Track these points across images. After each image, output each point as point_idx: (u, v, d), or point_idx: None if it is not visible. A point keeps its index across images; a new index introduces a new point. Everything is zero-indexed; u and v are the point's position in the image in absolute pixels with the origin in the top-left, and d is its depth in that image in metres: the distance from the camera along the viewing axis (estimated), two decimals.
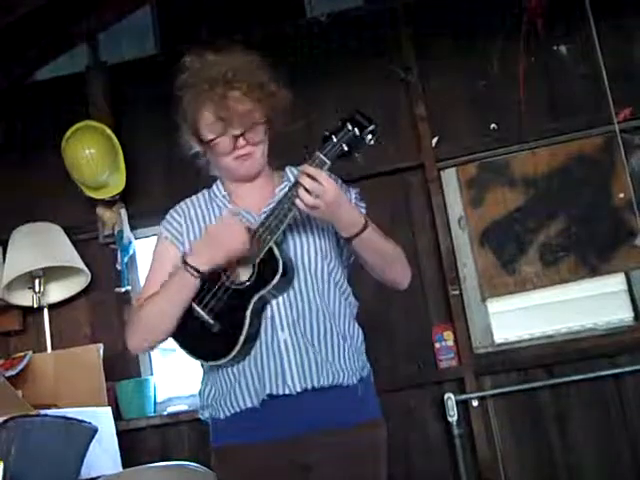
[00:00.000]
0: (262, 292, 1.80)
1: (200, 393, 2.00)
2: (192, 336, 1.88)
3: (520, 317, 3.52)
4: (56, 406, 3.10)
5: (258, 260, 1.81)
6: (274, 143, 2.00)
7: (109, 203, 3.70)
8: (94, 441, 2.62)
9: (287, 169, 2.05)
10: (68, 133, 3.57)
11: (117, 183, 3.66)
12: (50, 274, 3.65)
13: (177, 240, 1.99)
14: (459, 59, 3.67)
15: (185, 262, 1.82)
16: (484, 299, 3.53)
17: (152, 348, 2.01)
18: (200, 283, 1.83)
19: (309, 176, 1.74)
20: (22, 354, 3.36)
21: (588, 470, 3.29)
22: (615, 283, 3.48)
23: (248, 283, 1.81)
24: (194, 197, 2.07)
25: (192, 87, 1.93)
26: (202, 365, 1.98)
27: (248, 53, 1.93)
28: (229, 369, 1.88)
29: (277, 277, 1.79)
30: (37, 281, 3.60)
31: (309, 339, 1.85)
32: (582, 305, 3.48)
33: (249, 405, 1.85)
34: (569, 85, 3.57)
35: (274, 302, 1.84)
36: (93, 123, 3.65)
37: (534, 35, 3.55)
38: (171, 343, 1.94)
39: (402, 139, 3.66)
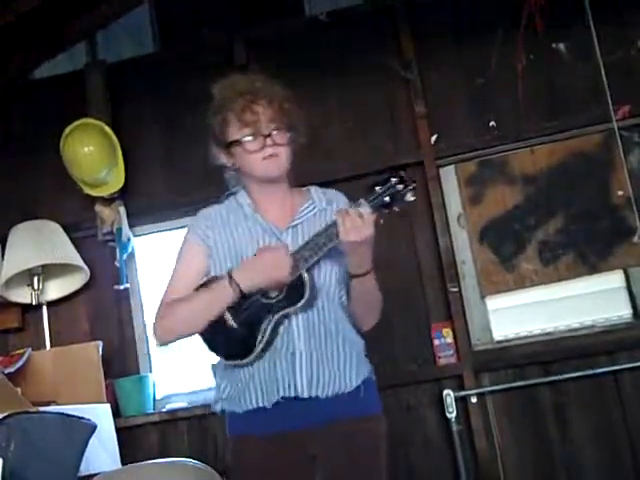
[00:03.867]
0: (287, 310, 1.98)
1: (217, 386, 2.15)
2: (215, 335, 2.04)
3: (519, 314, 3.53)
4: (55, 403, 3.10)
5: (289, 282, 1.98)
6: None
7: (108, 200, 3.70)
8: (93, 438, 2.61)
9: (312, 189, 2.20)
10: (67, 131, 3.57)
11: (116, 180, 3.66)
12: (49, 271, 3.65)
13: (204, 242, 2.11)
14: (458, 57, 3.68)
15: (231, 277, 1.97)
16: (483, 296, 3.53)
17: (176, 341, 2.13)
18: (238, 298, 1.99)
19: (359, 215, 1.89)
20: (21, 351, 3.37)
21: (587, 466, 3.29)
22: (614, 280, 3.49)
23: (276, 300, 1.99)
24: (221, 205, 2.19)
25: (222, 102, 2.10)
26: (219, 361, 2.12)
27: (260, 75, 2.12)
28: (245, 369, 2.04)
29: (302, 301, 1.98)
30: (36, 278, 3.60)
31: (322, 351, 2.02)
32: (581, 302, 3.48)
33: (261, 405, 2.01)
34: (568, 83, 3.57)
35: (294, 317, 2.01)
36: (92, 121, 3.65)
37: (533, 33, 3.55)
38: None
39: (401, 136, 3.67)
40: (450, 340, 3.44)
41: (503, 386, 3.38)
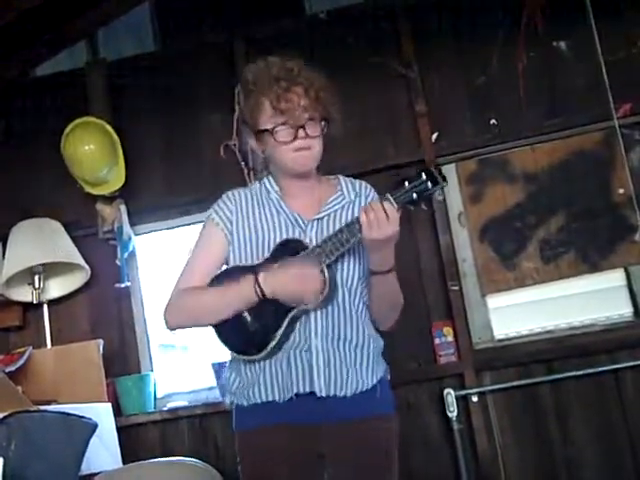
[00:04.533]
0: (304, 307, 1.91)
1: (227, 379, 2.09)
2: (229, 327, 1.97)
3: (520, 313, 3.52)
4: (56, 402, 3.10)
5: None
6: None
7: (109, 199, 3.70)
8: (94, 437, 2.62)
9: (342, 179, 2.14)
10: (67, 129, 3.57)
11: (116, 179, 3.65)
12: (50, 270, 3.65)
13: (226, 228, 2.04)
14: (459, 55, 3.67)
15: (256, 279, 1.89)
16: (484, 295, 3.53)
17: (185, 329, 2.10)
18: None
19: (385, 211, 1.83)
20: (22, 350, 3.37)
21: (587, 465, 3.29)
22: (615, 279, 3.48)
23: None
24: (247, 189, 2.12)
25: (255, 84, 2.00)
26: (232, 353, 2.05)
27: (306, 61, 2.05)
28: (256, 363, 1.98)
29: (322, 297, 1.90)
30: (37, 277, 3.60)
31: (339, 348, 1.96)
32: (582, 301, 3.48)
33: (271, 399, 1.95)
34: (569, 81, 3.56)
35: (312, 313, 1.94)
36: (92, 119, 3.64)
37: (534, 31, 3.55)
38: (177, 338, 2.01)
39: (402, 135, 3.66)
40: (451, 339, 3.44)
41: (504, 385, 3.38)
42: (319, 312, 1.94)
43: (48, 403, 3.02)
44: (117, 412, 3.40)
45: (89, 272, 3.68)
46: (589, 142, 3.52)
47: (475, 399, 3.36)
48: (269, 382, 1.96)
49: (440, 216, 3.55)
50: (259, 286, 1.88)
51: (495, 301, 3.54)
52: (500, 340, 3.51)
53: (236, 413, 2.05)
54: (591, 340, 3.38)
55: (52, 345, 3.63)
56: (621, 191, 3.45)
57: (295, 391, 1.93)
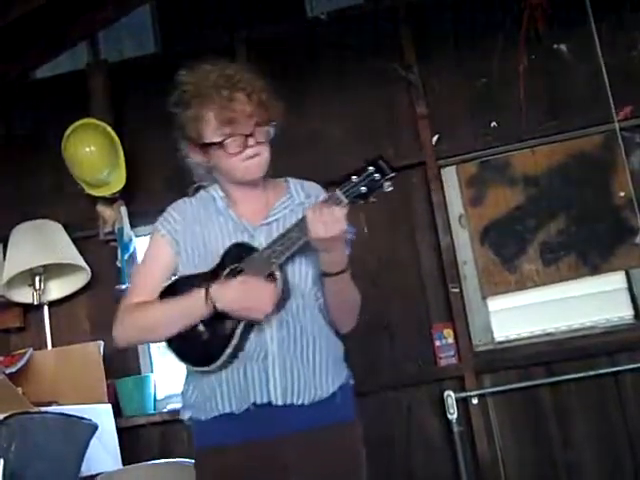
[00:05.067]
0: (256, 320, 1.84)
1: (183, 393, 2.01)
2: (181, 339, 1.90)
3: (520, 315, 3.53)
4: (56, 403, 3.11)
5: None
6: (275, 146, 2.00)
7: (109, 200, 3.70)
8: (94, 438, 2.62)
9: (291, 182, 2.07)
10: (68, 131, 3.57)
11: (117, 180, 3.66)
12: (50, 271, 3.65)
13: (173, 238, 1.98)
14: (460, 57, 3.67)
15: (208, 291, 1.82)
16: (484, 297, 3.53)
17: (137, 345, 2.03)
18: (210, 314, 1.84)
19: (330, 210, 1.76)
20: (22, 351, 3.37)
21: (587, 467, 3.29)
22: (615, 281, 3.48)
23: None
24: (192, 198, 2.06)
25: (195, 96, 1.94)
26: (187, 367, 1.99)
27: (241, 64, 1.99)
28: (213, 374, 1.90)
29: (270, 310, 1.82)
30: (37, 278, 3.60)
31: (296, 356, 1.89)
32: (582, 303, 3.48)
33: (229, 410, 1.88)
34: (569, 83, 3.57)
35: (266, 318, 1.86)
36: (93, 121, 3.64)
37: (534, 34, 3.55)
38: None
39: (403, 137, 3.67)
40: (451, 341, 3.44)
41: (504, 387, 3.38)
42: (274, 319, 1.87)
43: (48, 404, 3.02)
44: (117, 413, 3.40)
45: (90, 273, 3.68)
46: (590, 145, 3.52)
47: (475, 401, 3.36)
48: (226, 393, 1.88)
49: (441, 218, 3.55)
50: (211, 300, 1.82)
51: (495, 303, 3.54)
52: (500, 342, 3.51)
53: (195, 429, 1.96)
54: (591, 342, 3.38)
55: (52, 346, 3.63)
56: (622, 194, 3.46)
57: (252, 401, 1.85)
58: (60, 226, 3.72)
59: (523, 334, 3.51)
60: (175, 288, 1.94)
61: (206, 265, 1.91)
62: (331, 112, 3.72)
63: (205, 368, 1.88)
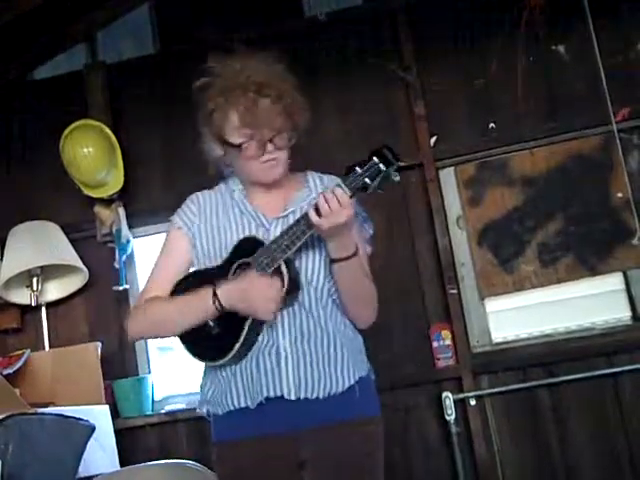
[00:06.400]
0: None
1: (201, 388, 2.04)
2: (192, 334, 1.93)
3: (518, 316, 3.53)
4: (54, 404, 3.10)
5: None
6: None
7: (107, 201, 3.69)
8: (92, 439, 2.61)
9: (309, 175, 2.09)
10: (66, 131, 3.57)
11: (115, 181, 3.65)
12: (48, 272, 3.65)
13: (189, 230, 2.02)
14: (458, 58, 3.67)
15: (215, 292, 1.85)
16: (482, 298, 3.53)
17: (148, 339, 2.07)
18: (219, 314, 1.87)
19: (337, 199, 1.76)
20: (20, 352, 3.36)
21: (586, 469, 3.29)
22: (613, 282, 3.48)
23: None
24: (212, 190, 2.09)
25: (222, 92, 1.93)
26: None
27: (272, 61, 1.99)
28: (227, 368, 1.93)
29: (275, 309, 1.83)
30: (35, 279, 3.60)
31: (309, 350, 1.90)
32: (580, 304, 3.48)
33: (244, 405, 1.91)
34: (568, 85, 3.57)
35: (279, 312, 1.87)
36: (91, 122, 3.64)
37: (533, 35, 3.55)
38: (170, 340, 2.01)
39: (401, 138, 3.65)
40: (449, 342, 3.44)
41: (502, 388, 3.38)
42: (285, 312, 1.88)
43: (46, 405, 3.01)
44: (115, 415, 3.39)
45: (87, 275, 3.68)
46: (587, 146, 3.53)
47: (473, 402, 3.36)
48: (241, 387, 1.91)
49: (439, 219, 3.55)
50: (217, 301, 1.85)
51: (493, 304, 3.54)
52: (498, 343, 3.51)
53: (213, 423, 2.00)
54: (589, 344, 3.38)
55: (50, 347, 3.62)
56: (619, 195, 3.46)
57: (265, 395, 1.87)
58: (58, 227, 3.71)
59: (521, 335, 3.51)
60: (188, 282, 1.97)
61: (220, 257, 1.95)
62: (329, 113, 3.71)
63: (217, 362, 1.91)
